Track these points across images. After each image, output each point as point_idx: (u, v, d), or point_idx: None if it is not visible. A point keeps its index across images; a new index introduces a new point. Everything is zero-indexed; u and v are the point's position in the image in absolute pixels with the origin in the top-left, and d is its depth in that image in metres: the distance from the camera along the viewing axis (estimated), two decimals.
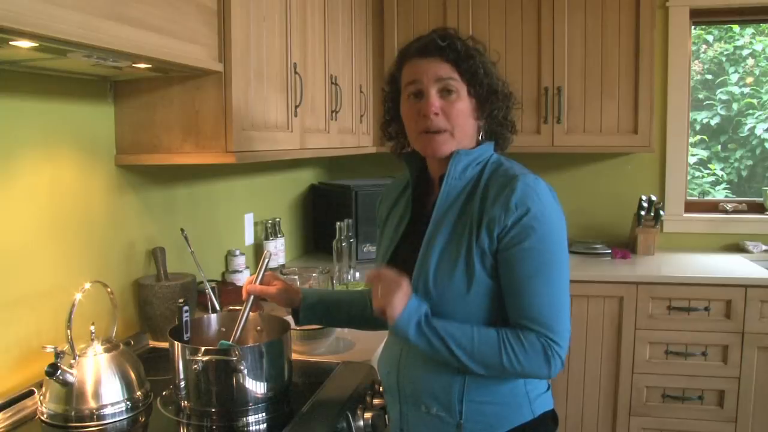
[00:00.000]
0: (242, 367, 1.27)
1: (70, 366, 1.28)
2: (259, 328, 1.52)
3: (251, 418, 1.31)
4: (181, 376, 1.31)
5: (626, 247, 3.13)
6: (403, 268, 1.26)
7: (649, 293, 2.67)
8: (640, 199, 3.05)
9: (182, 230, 1.82)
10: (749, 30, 3.48)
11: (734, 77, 3.50)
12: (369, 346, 1.77)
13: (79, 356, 1.30)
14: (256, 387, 1.31)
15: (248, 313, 1.38)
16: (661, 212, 3.04)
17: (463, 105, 1.22)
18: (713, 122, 3.53)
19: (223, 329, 1.50)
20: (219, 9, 1.57)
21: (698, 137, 3.55)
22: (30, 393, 1.36)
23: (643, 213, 3.04)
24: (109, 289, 1.42)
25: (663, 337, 2.68)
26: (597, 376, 2.76)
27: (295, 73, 1.97)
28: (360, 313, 1.49)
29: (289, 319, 1.48)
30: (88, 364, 1.31)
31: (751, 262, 2.89)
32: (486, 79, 1.23)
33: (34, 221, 1.47)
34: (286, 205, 2.97)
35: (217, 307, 1.74)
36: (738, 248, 3.18)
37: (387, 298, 1.15)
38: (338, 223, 2.45)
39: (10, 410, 1.31)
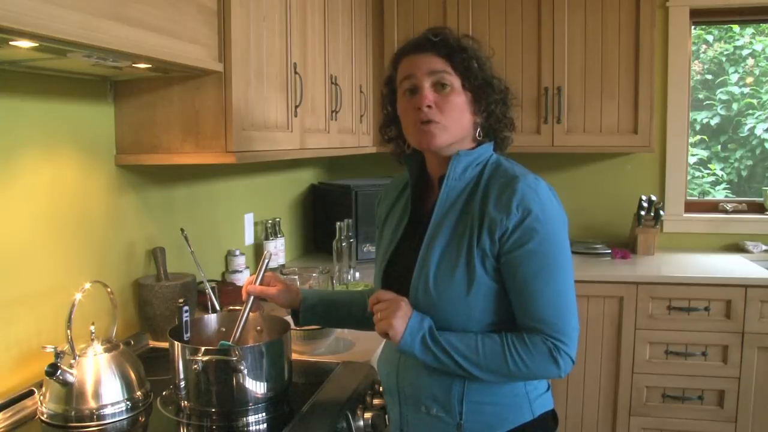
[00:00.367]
0: (242, 367, 1.27)
1: (70, 366, 1.28)
2: (259, 328, 1.52)
3: (251, 418, 1.31)
4: (181, 376, 1.31)
5: (626, 247, 3.13)
6: (402, 269, 1.27)
7: (649, 293, 2.67)
8: (640, 199, 3.05)
9: (182, 230, 1.82)
10: (749, 30, 3.48)
11: (734, 77, 3.50)
12: (369, 346, 1.77)
13: (79, 356, 1.30)
14: (256, 387, 1.31)
15: (248, 314, 1.38)
16: (661, 212, 3.04)
17: (458, 98, 1.21)
18: (713, 122, 3.53)
19: (223, 329, 1.50)
20: (219, 9, 1.57)
21: (698, 137, 3.55)
22: (30, 393, 1.36)
23: (643, 213, 3.04)
24: (109, 289, 1.42)
25: (663, 337, 2.68)
26: (597, 376, 2.76)
27: (295, 73, 1.97)
28: (360, 313, 1.49)
29: (289, 319, 1.48)
30: (88, 364, 1.31)
31: (751, 262, 2.89)
32: (480, 73, 1.23)
33: (34, 221, 1.47)
34: (286, 205, 2.97)
35: (217, 307, 1.74)
36: (738, 248, 3.18)
37: (388, 321, 1.17)
38: (338, 223, 2.44)
39: (10, 410, 1.31)
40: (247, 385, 1.30)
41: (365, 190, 2.91)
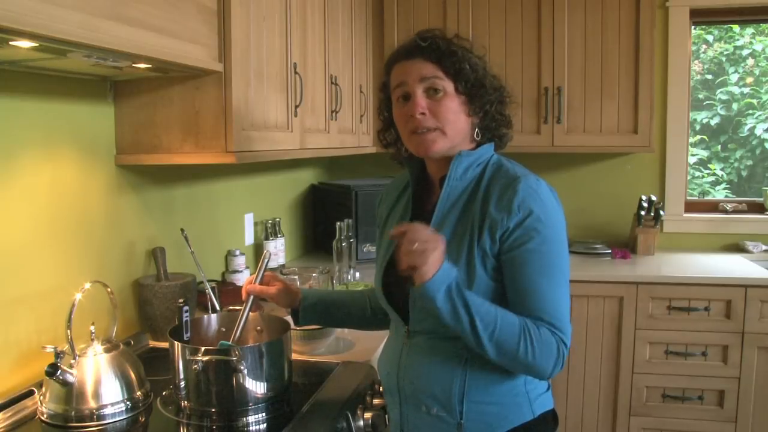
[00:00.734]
0: (242, 367, 1.27)
1: (70, 366, 1.28)
2: (259, 328, 1.52)
3: (251, 418, 1.31)
4: (181, 376, 1.31)
5: (626, 247, 3.13)
6: (402, 270, 1.27)
7: (649, 293, 2.67)
8: (640, 199, 3.05)
9: (182, 230, 1.82)
10: (749, 30, 3.48)
11: (734, 77, 3.50)
12: (369, 346, 1.77)
13: (79, 356, 1.30)
14: (256, 387, 1.31)
15: (248, 314, 1.38)
16: (661, 212, 3.04)
17: (451, 102, 1.21)
18: (713, 122, 3.53)
19: (223, 329, 1.50)
20: (219, 9, 1.57)
21: (698, 137, 3.55)
22: (30, 393, 1.36)
23: (643, 213, 3.04)
24: (109, 289, 1.42)
25: (663, 337, 2.68)
26: (597, 376, 2.76)
27: (295, 73, 1.97)
28: (360, 313, 1.49)
29: (289, 319, 1.48)
30: (88, 364, 1.31)
31: (751, 262, 2.89)
32: (472, 74, 1.22)
33: (34, 221, 1.47)
34: (286, 205, 2.97)
35: (217, 307, 1.74)
36: (738, 248, 3.18)
37: (424, 256, 1.07)
38: (338, 223, 2.44)
39: (10, 410, 1.31)
40: (247, 385, 1.30)
41: (365, 190, 2.91)
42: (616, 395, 2.75)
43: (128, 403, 1.33)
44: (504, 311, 1.14)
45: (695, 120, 3.48)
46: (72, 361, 1.29)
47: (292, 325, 1.48)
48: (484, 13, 2.98)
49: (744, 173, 3.54)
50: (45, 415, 1.29)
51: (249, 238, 2.57)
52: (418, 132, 1.21)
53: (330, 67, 2.34)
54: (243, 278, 2.31)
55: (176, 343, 1.31)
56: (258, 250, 2.63)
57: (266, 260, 1.41)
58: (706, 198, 3.49)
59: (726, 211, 3.27)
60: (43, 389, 1.31)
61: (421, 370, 1.24)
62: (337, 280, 2.40)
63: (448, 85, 1.21)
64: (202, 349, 1.28)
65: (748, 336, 2.60)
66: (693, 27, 3.26)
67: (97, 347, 1.34)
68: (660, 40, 3.11)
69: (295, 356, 1.54)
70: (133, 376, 1.36)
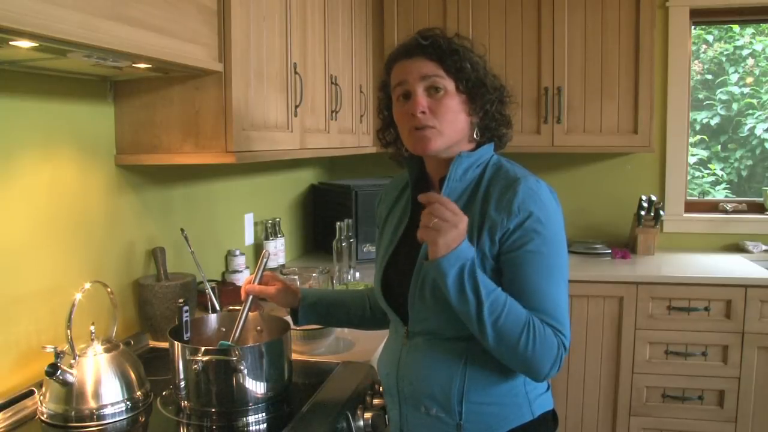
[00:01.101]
0: (242, 367, 1.27)
1: (70, 366, 1.28)
2: (259, 328, 1.52)
3: (251, 418, 1.31)
4: (181, 376, 1.31)
5: (626, 247, 3.13)
6: (402, 269, 1.27)
7: (649, 293, 2.67)
8: (640, 199, 3.05)
9: (182, 230, 1.82)
10: (749, 30, 3.48)
11: (734, 77, 3.50)
12: (369, 346, 1.77)
13: (79, 356, 1.30)
14: (256, 387, 1.31)
15: (248, 313, 1.38)
16: (661, 212, 3.04)
17: (452, 101, 1.21)
18: (713, 122, 3.53)
19: (223, 329, 1.50)
20: (219, 9, 1.56)
21: (698, 137, 3.55)
22: (30, 393, 1.36)
23: (643, 213, 3.04)
24: (109, 289, 1.42)
25: (663, 337, 2.68)
26: (597, 376, 2.76)
27: (295, 73, 1.97)
28: (360, 313, 1.49)
29: (289, 318, 1.48)
30: (88, 364, 1.31)
31: (751, 262, 2.89)
32: (473, 73, 1.22)
33: (33, 221, 1.47)
34: (286, 205, 2.97)
35: (217, 307, 1.74)
36: (738, 248, 3.18)
37: (440, 233, 1.07)
38: (338, 223, 2.44)
39: (10, 410, 1.31)
40: (247, 385, 1.30)
41: (365, 190, 2.91)
42: (616, 395, 2.75)
43: (128, 403, 1.33)
44: (514, 301, 1.13)
45: (695, 120, 3.48)
46: (72, 361, 1.29)
47: (292, 325, 1.48)
48: (484, 13, 2.98)
49: (744, 173, 3.54)
50: (45, 415, 1.29)
51: (249, 238, 2.57)
52: (416, 129, 1.21)
53: (330, 67, 2.34)
54: (243, 278, 2.31)
55: (176, 343, 1.31)
56: (258, 250, 2.63)
57: (265, 260, 1.41)
58: (706, 198, 3.49)
59: (726, 211, 3.27)
60: (43, 389, 1.31)
61: (421, 371, 1.24)
62: (337, 280, 2.40)
63: (449, 84, 1.20)
64: (202, 349, 1.28)
65: (748, 336, 2.60)
66: (693, 27, 3.26)
67: (97, 347, 1.34)
68: (660, 40, 3.11)
69: (295, 356, 1.54)
70: (133, 376, 1.36)
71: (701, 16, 3.22)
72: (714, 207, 3.32)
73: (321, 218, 3.14)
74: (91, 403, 1.28)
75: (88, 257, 1.64)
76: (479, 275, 1.10)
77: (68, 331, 1.27)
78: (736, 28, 3.48)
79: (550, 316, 1.14)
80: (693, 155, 3.49)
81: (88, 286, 1.31)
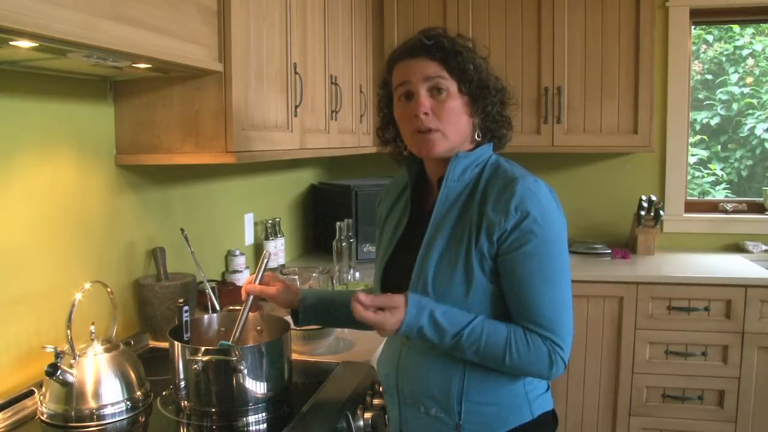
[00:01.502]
0: (242, 367, 1.27)
1: (70, 366, 1.28)
2: (259, 328, 1.52)
3: (251, 418, 1.31)
4: (181, 376, 1.31)
5: (626, 247, 3.13)
6: (402, 270, 1.27)
7: (649, 293, 2.67)
8: (640, 199, 3.05)
9: (182, 230, 1.82)
10: (749, 30, 3.48)
11: (734, 77, 3.50)
12: (369, 346, 1.77)
13: (79, 356, 1.30)
14: (256, 387, 1.31)
15: (248, 314, 1.38)
16: (661, 212, 3.04)
17: (454, 103, 1.20)
18: (713, 122, 3.53)
19: (223, 329, 1.50)
20: (219, 9, 1.56)
21: (698, 137, 3.55)
22: (30, 393, 1.36)
23: (643, 213, 3.04)
24: (109, 289, 1.42)
25: (663, 337, 2.68)
26: (597, 376, 2.76)
27: (295, 73, 1.97)
28: None
29: (289, 319, 1.48)
30: (88, 364, 1.31)
31: (751, 262, 2.89)
32: (476, 75, 1.21)
33: (33, 221, 1.47)
34: (286, 205, 2.97)
35: (217, 307, 1.74)
36: (738, 248, 3.18)
37: (384, 324, 1.14)
38: (338, 223, 2.44)
39: (10, 410, 1.31)
40: (247, 385, 1.30)
41: (365, 190, 2.91)
42: (616, 395, 2.75)
43: (128, 403, 1.33)
44: (490, 325, 1.15)
45: (695, 120, 3.48)
46: (72, 361, 1.29)
47: (292, 326, 1.48)
48: (484, 13, 2.99)
49: (744, 173, 3.54)
50: (45, 415, 1.29)
51: (249, 238, 2.57)
52: (420, 132, 1.21)
53: (330, 67, 2.34)
54: (243, 278, 2.31)
55: (176, 343, 1.31)
56: (258, 250, 2.63)
57: (266, 260, 1.41)
58: (706, 198, 3.49)
59: (726, 211, 3.27)
60: (43, 389, 1.31)
61: (420, 371, 1.24)
62: (337, 280, 2.40)
63: (452, 85, 1.20)
64: (202, 349, 1.28)
65: (748, 336, 2.60)
66: (693, 27, 3.26)
67: (97, 347, 1.34)
68: (660, 40, 3.11)
69: (295, 356, 1.54)
70: (133, 376, 1.36)
71: (701, 16, 3.22)
72: (714, 207, 3.32)
73: (321, 218, 3.14)
74: (91, 403, 1.28)
75: (88, 257, 1.64)
76: (442, 321, 1.14)
77: (68, 331, 1.27)
78: (736, 28, 3.48)
79: (545, 318, 1.15)
80: (693, 155, 3.49)
81: (88, 286, 1.31)
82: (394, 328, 1.14)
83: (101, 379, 1.30)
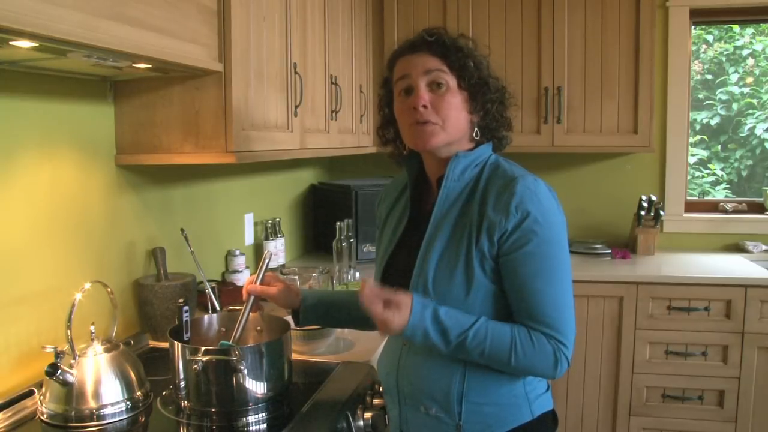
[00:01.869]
0: (242, 367, 1.27)
1: (70, 366, 1.28)
2: (259, 328, 1.52)
3: (251, 418, 1.31)
4: (181, 376, 1.31)
5: (626, 247, 3.13)
6: (402, 270, 1.27)
7: (649, 293, 2.67)
8: (640, 199, 3.05)
9: (182, 230, 1.82)
10: (749, 30, 3.48)
11: (734, 77, 3.50)
12: (369, 346, 1.77)
13: (79, 356, 1.30)
14: (256, 387, 1.31)
15: (248, 314, 1.38)
16: (661, 212, 3.04)
17: (454, 98, 1.21)
18: (713, 122, 3.53)
19: (223, 329, 1.50)
20: (219, 9, 1.56)
21: (698, 137, 3.55)
22: (30, 393, 1.36)
23: (643, 213, 3.04)
24: (109, 289, 1.42)
25: (663, 337, 2.68)
26: (597, 376, 2.76)
27: (295, 73, 1.97)
28: (360, 313, 1.47)
29: (289, 319, 1.48)
30: (88, 364, 1.31)
31: (751, 262, 2.89)
32: (476, 72, 1.22)
33: (33, 221, 1.47)
34: (286, 205, 2.97)
35: (217, 307, 1.74)
36: (738, 248, 3.18)
37: (391, 322, 1.12)
38: (338, 223, 2.44)
39: (10, 410, 1.31)
40: (247, 385, 1.30)
41: (365, 190, 2.91)
42: (616, 395, 2.74)
43: (128, 403, 1.33)
44: (494, 325, 1.15)
45: (695, 120, 3.48)
46: (72, 361, 1.29)
47: (293, 326, 1.48)
48: (484, 13, 2.99)
49: (744, 173, 3.54)
50: (45, 415, 1.29)
51: (249, 238, 2.57)
52: (418, 123, 1.21)
53: (330, 67, 2.34)
54: (243, 278, 2.31)
55: (176, 343, 1.31)
56: (258, 250, 2.63)
57: (267, 261, 1.41)
58: (706, 198, 3.49)
59: (726, 211, 3.27)
60: (43, 389, 1.31)
61: (420, 371, 1.24)
62: (337, 280, 2.40)
63: (452, 80, 1.20)
64: (202, 349, 1.28)
65: (748, 336, 2.60)
66: (693, 27, 3.26)
67: (97, 347, 1.34)
68: (660, 40, 3.11)
69: (295, 356, 1.54)
70: (133, 376, 1.36)
71: (701, 16, 3.22)
72: (714, 207, 3.32)
73: (321, 218, 3.14)
74: (91, 403, 1.28)
75: (88, 257, 1.64)
76: (447, 322, 1.14)
77: (68, 331, 1.27)
78: (736, 28, 3.48)
79: (548, 317, 1.15)
80: (693, 155, 3.49)
81: (88, 286, 1.31)
82: (400, 327, 1.13)
83: (101, 379, 1.30)
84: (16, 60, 1.26)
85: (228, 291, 2.08)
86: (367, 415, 1.40)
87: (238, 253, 2.36)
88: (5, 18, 0.91)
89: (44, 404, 1.30)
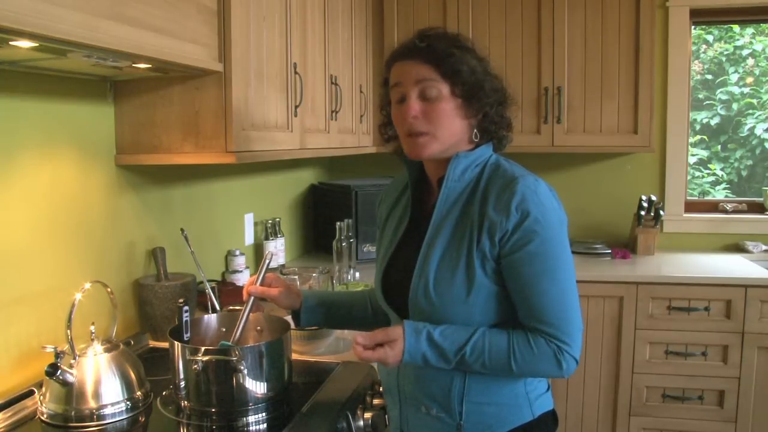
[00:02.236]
0: (242, 367, 1.27)
1: (70, 366, 1.28)
2: (259, 328, 1.52)
3: (251, 418, 1.31)
4: (181, 376, 1.31)
5: (626, 247, 3.13)
6: (402, 270, 1.27)
7: (649, 293, 2.67)
8: (640, 199, 3.05)
9: (182, 230, 1.82)
10: (749, 30, 3.48)
11: (734, 77, 3.50)
12: None
13: (79, 356, 1.30)
14: (256, 387, 1.31)
15: (249, 314, 1.38)
16: (661, 212, 3.04)
17: (446, 105, 1.19)
18: (713, 122, 3.53)
19: (223, 329, 1.50)
20: (219, 9, 1.56)
21: (698, 137, 3.55)
22: (30, 393, 1.36)
23: (643, 213, 3.04)
24: (109, 289, 1.42)
25: (663, 337, 2.68)
26: (597, 376, 2.76)
27: (295, 73, 1.97)
28: (361, 314, 1.49)
29: (290, 319, 1.48)
30: (88, 364, 1.31)
31: (751, 262, 2.89)
32: (471, 77, 1.20)
33: (34, 221, 1.47)
34: (286, 205, 2.97)
35: (217, 307, 1.74)
36: (738, 248, 3.18)
37: (387, 358, 1.15)
38: (338, 223, 2.44)
39: (10, 410, 1.31)
40: (247, 385, 1.30)
41: (365, 190, 2.91)
42: (616, 395, 2.75)
43: (128, 403, 1.33)
44: (491, 335, 1.16)
45: (695, 120, 3.48)
46: (72, 361, 1.29)
47: (293, 326, 1.48)
48: (484, 13, 2.99)
49: (744, 173, 3.54)
50: (45, 415, 1.29)
51: (249, 238, 2.57)
52: (411, 134, 1.21)
53: (330, 67, 2.34)
54: (243, 278, 2.31)
55: (176, 343, 1.31)
56: (258, 250, 2.63)
57: (268, 261, 1.41)
58: (706, 198, 3.49)
59: (726, 211, 3.27)
60: (43, 389, 1.31)
61: (421, 371, 1.24)
62: (337, 280, 2.40)
63: (444, 87, 1.19)
64: (202, 349, 1.28)
65: (748, 336, 2.60)
66: (693, 27, 3.26)
67: (97, 347, 1.34)
68: (660, 40, 3.11)
69: (295, 356, 1.54)
70: (133, 376, 1.36)
71: (701, 16, 3.22)
72: (714, 207, 3.32)
73: (321, 218, 3.14)
74: (91, 403, 1.28)
75: (88, 257, 1.64)
76: (440, 340, 1.16)
77: (68, 331, 1.27)
78: (736, 28, 3.48)
79: (551, 317, 1.14)
80: (693, 155, 3.49)
81: (88, 286, 1.31)
82: (397, 360, 1.16)
83: (101, 379, 1.30)
84: (16, 60, 1.26)
85: (228, 291, 2.08)
86: (367, 415, 1.41)
87: (238, 253, 2.36)
88: (5, 18, 0.91)
89: (44, 404, 1.30)
